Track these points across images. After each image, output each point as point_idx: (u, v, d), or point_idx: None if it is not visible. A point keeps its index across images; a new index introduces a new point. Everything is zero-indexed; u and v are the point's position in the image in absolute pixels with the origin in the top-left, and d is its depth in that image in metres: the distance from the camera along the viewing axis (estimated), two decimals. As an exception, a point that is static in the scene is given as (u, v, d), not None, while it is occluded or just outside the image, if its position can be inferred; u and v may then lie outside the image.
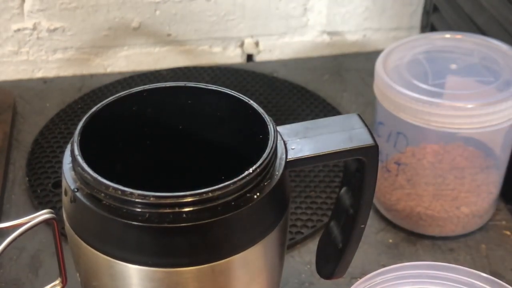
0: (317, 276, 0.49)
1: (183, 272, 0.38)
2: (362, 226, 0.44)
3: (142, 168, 0.46)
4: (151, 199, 0.35)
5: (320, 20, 0.95)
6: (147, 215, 0.36)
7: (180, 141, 0.46)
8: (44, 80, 0.91)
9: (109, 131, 0.43)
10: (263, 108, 0.42)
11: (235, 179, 0.36)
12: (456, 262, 0.62)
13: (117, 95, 0.43)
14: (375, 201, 0.68)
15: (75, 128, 0.40)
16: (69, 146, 0.40)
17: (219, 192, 0.36)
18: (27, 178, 0.73)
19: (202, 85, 0.44)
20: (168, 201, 0.35)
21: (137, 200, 0.35)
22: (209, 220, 0.36)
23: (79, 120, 0.41)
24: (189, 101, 0.45)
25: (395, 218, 0.67)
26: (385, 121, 0.66)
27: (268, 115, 0.41)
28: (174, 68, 0.92)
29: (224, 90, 0.44)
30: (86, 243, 0.38)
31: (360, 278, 0.62)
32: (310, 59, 0.97)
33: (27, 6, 0.87)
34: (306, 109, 0.85)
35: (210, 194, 0.36)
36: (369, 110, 0.84)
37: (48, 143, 0.78)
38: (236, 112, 0.43)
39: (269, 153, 0.38)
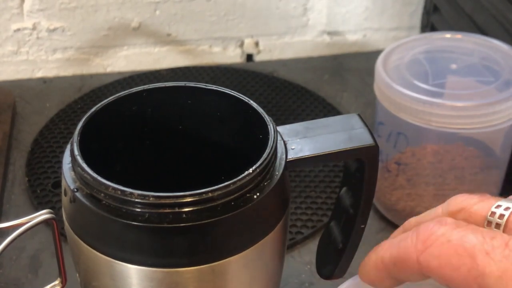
0: (317, 276, 0.49)
1: (183, 272, 0.38)
2: (362, 226, 0.44)
3: (142, 168, 0.46)
4: (151, 199, 0.35)
5: (320, 20, 0.95)
6: (146, 215, 0.35)
7: (180, 141, 0.46)
8: (44, 80, 0.91)
9: (108, 131, 0.43)
10: (263, 108, 0.42)
11: (235, 179, 0.36)
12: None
13: (117, 95, 0.43)
14: (375, 201, 0.68)
15: (75, 128, 0.40)
16: (68, 146, 0.40)
17: (219, 192, 0.36)
18: (27, 178, 0.73)
19: (202, 85, 0.44)
20: (168, 201, 0.35)
21: (136, 200, 0.35)
22: (209, 220, 0.36)
23: (79, 120, 0.40)
24: (189, 101, 0.45)
25: (395, 218, 0.67)
26: (385, 121, 0.65)
27: (268, 115, 0.41)
28: (174, 68, 0.92)
29: (224, 90, 0.44)
30: (85, 243, 0.38)
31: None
32: (310, 59, 0.97)
33: (26, 6, 0.87)
34: (306, 109, 0.85)
35: (210, 194, 0.36)
36: (369, 110, 0.84)
37: (48, 143, 0.78)
38: (236, 112, 0.43)
39: (269, 153, 0.38)
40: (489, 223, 0.34)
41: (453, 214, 0.36)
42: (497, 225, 0.34)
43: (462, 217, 0.35)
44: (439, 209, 0.37)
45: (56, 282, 0.45)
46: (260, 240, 0.39)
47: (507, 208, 0.34)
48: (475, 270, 0.31)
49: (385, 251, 0.36)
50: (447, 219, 0.33)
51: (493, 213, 0.34)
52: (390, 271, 0.35)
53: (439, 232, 0.32)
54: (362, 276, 0.38)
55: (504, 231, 0.33)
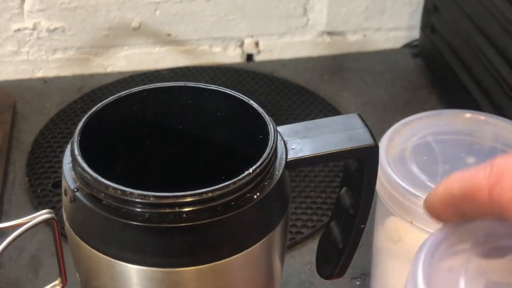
0: (317, 276, 0.49)
1: (183, 272, 0.38)
2: (362, 226, 0.44)
3: (142, 168, 0.46)
4: (151, 199, 0.35)
5: (320, 20, 0.95)
6: (147, 215, 0.35)
7: (180, 141, 0.46)
8: (44, 80, 0.91)
9: (109, 131, 0.43)
10: (263, 108, 0.42)
11: (235, 179, 0.36)
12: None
13: (117, 95, 0.43)
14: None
15: (75, 128, 0.40)
16: (69, 146, 0.40)
17: (219, 192, 0.36)
18: (27, 178, 0.73)
19: (202, 85, 0.44)
20: (168, 201, 0.35)
21: (137, 200, 0.35)
22: (209, 220, 0.36)
23: (79, 120, 0.40)
24: (189, 101, 0.45)
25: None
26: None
27: (268, 115, 0.41)
28: (174, 68, 0.92)
29: (224, 90, 0.44)
30: (86, 243, 0.38)
31: (360, 277, 0.63)
32: (310, 59, 0.97)
33: (27, 6, 0.87)
34: (306, 109, 0.85)
35: (210, 194, 0.36)
36: (369, 110, 0.84)
37: (48, 143, 0.78)
38: (236, 112, 0.43)
39: (269, 153, 0.38)
40: None
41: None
42: None
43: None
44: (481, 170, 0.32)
45: (56, 282, 0.45)
46: (260, 240, 0.39)
47: None
48: None
49: (454, 183, 0.32)
50: None
51: None
52: (458, 205, 0.32)
53: None
54: (427, 207, 0.34)
55: None
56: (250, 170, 0.37)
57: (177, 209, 0.35)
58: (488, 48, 0.74)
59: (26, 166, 0.75)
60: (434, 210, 0.34)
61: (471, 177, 0.31)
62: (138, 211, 0.36)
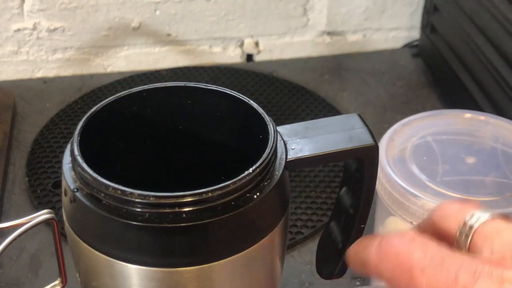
0: (317, 276, 0.49)
1: (183, 272, 0.38)
2: (362, 226, 0.44)
3: (142, 168, 0.46)
4: (151, 199, 0.35)
5: (320, 20, 0.95)
6: (147, 215, 0.36)
7: (180, 141, 0.46)
8: (44, 80, 0.91)
9: (109, 131, 0.43)
10: (263, 108, 0.42)
11: (235, 179, 0.36)
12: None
13: (117, 95, 0.43)
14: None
15: (75, 128, 0.40)
16: (68, 146, 0.40)
17: (219, 192, 0.36)
18: (27, 178, 0.73)
19: (202, 85, 0.44)
20: (168, 201, 0.35)
21: (137, 200, 0.35)
22: (209, 220, 0.36)
23: (79, 120, 0.40)
24: (189, 101, 0.45)
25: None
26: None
27: (268, 115, 0.41)
28: (174, 68, 0.92)
29: (224, 90, 0.44)
30: (85, 243, 0.38)
31: (360, 277, 0.63)
32: (310, 59, 0.97)
33: (27, 6, 0.87)
34: (306, 109, 0.85)
35: (210, 194, 0.36)
36: (369, 110, 0.84)
37: (48, 143, 0.78)
38: (236, 112, 0.43)
39: (269, 153, 0.38)
40: (461, 233, 0.34)
41: (442, 218, 0.36)
42: (466, 236, 0.34)
43: (444, 226, 0.36)
44: (431, 215, 0.38)
45: (56, 282, 0.45)
46: (260, 240, 0.39)
47: (477, 219, 0.34)
48: (412, 285, 0.32)
49: (359, 248, 0.37)
50: (409, 233, 0.34)
51: (464, 224, 0.34)
52: (361, 265, 0.37)
53: (395, 245, 0.33)
54: (348, 256, 0.39)
55: (471, 242, 0.34)
56: (250, 170, 0.37)
57: (177, 209, 0.35)
58: (488, 48, 0.74)
59: (26, 166, 0.75)
60: (350, 262, 0.38)
61: (366, 249, 0.36)
62: (138, 211, 0.36)
